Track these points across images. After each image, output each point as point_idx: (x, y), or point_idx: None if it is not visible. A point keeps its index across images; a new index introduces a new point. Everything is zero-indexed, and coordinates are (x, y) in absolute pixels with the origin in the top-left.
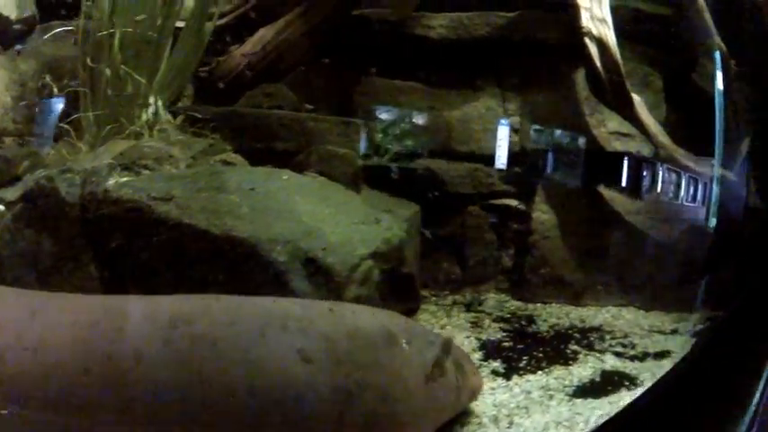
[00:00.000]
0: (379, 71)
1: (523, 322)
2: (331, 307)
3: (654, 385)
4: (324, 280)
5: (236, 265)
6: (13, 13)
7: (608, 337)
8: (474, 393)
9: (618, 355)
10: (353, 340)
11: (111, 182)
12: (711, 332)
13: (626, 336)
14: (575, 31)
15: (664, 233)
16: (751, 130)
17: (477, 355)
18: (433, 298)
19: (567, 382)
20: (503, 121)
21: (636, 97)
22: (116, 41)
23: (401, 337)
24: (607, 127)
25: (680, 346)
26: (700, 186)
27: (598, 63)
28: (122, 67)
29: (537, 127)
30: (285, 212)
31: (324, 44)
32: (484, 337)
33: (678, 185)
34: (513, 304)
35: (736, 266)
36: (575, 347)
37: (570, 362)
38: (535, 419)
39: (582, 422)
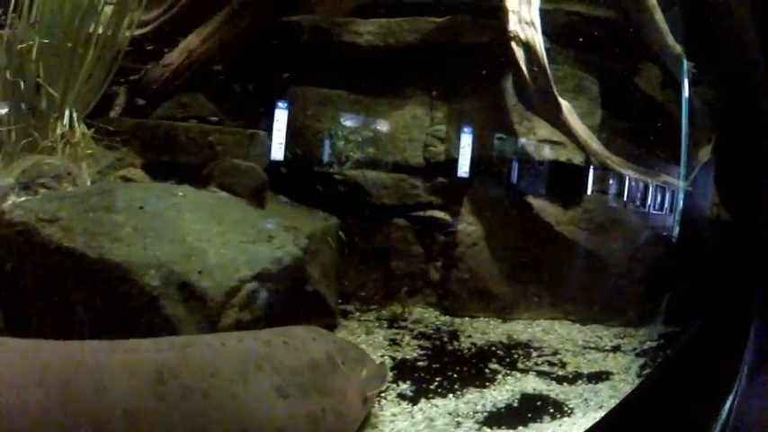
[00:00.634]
0: (308, 79)
1: (445, 338)
2: (285, 339)
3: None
4: (198, 305)
5: (113, 290)
6: None
7: (534, 354)
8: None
9: (543, 375)
10: (312, 370)
11: (8, 202)
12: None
13: (555, 353)
14: (502, 36)
15: (599, 243)
16: (713, 137)
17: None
18: (357, 313)
19: (478, 407)
20: (465, 129)
21: (564, 103)
22: (33, 53)
23: (338, 358)
24: (537, 135)
25: (622, 367)
26: (638, 194)
27: (524, 68)
28: (38, 79)
29: (464, 135)
30: (169, 233)
31: (251, 51)
32: (400, 355)
33: (614, 194)
34: (440, 319)
35: (697, 280)
36: (495, 366)
37: (487, 383)
38: None
39: None
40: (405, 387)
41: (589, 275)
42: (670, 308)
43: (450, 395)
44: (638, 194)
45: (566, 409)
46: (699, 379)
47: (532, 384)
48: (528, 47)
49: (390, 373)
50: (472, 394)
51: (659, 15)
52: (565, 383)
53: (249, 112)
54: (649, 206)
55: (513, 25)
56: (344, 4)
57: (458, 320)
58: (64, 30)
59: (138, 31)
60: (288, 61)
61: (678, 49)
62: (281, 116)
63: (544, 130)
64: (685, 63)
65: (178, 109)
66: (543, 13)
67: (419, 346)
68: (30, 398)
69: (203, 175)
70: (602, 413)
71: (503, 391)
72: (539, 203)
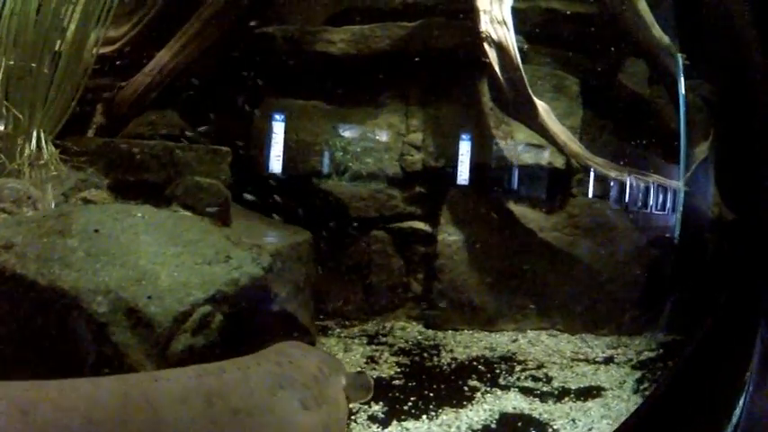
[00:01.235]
0: (282, 90)
1: (425, 354)
2: (290, 360)
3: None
4: (146, 332)
5: (63, 318)
6: None
7: (518, 368)
8: None
9: (526, 391)
10: (318, 383)
11: None
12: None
13: (541, 366)
14: (475, 37)
15: (586, 248)
16: (711, 133)
17: None
18: (338, 329)
19: (452, 430)
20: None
21: (541, 104)
22: None
23: (324, 368)
24: (515, 138)
25: (616, 382)
26: (628, 196)
27: (498, 69)
28: (4, 102)
29: (441, 143)
30: (122, 256)
31: (223, 65)
32: (376, 374)
33: (601, 196)
34: (422, 333)
35: (698, 283)
36: (474, 383)
37: (464, 402)
38: None
39: None
40: (377, 408)
41: (576, 282)
42: (669, 314)
43: (424, 416)
44: (628, 196)
45: (549, 430)
46: (706, 387)
47: (513, 403)
48: (500, 47)
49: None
50: (447, 415)
51: (642, 5)
52: (549, 401)
53: (221, 127)
54: (641, 208)
55: (485, 25)
56: (319, 14)
57: (440, 334)
58: (28, 49)
59: (107, 48)
60: (261, 73)
61: (666, 40)
62: (253, 129)
63: (523, 133)
64: (678, 56)
65: (146, 126)
66: (518, 12)
67: (397, 363)
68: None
69: (166, 194)
70: None
71: (480, 411)
72: (520, 210)
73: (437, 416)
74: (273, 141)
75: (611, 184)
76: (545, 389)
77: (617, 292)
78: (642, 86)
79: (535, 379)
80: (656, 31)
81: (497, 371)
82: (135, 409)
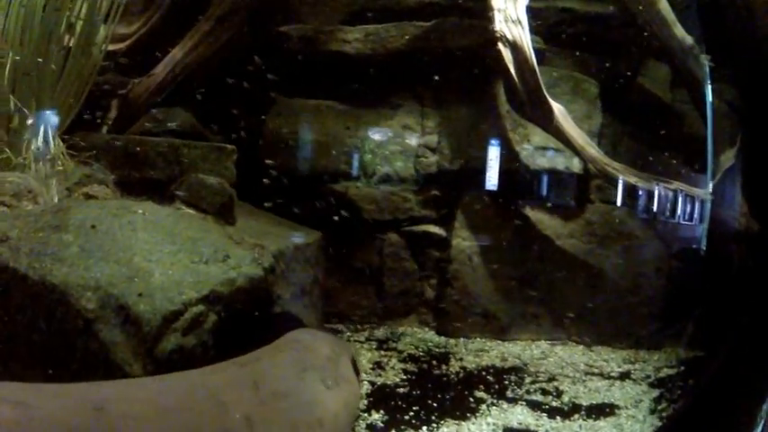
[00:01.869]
0: (296, 90)
1: (434, 362)
2: (303, 345)
3: None
4: (134, 330)
5: (52, 312)
6: None
7: (528, 380)
8: None
9: (533, 406)
10: (332, 364)
11: None
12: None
13: (552, 379)
14: (490, 37)
15: (603, 257)
16: (738, 139)
17: (362, 403)
18: (348, 333)
19: None
20: (479, 139)
21: (557, 106)
22: (6, 69)
23: (335, 349)
24: (531, 142)
25: (631, 399)
26: (649, 203)
27: (512, 70)
28: (11, 97)
29: (456, 145)
30: (117, 253)
31: (237, 63)
32: (381, 380)
33: (618, 203)
34: (433, 340)
35: (723, 300)
36: (481, 394)
37: (468, 414)
38: None
39: None
40: (377, 417)
41: (593, 292)
42: (691, 329)
43: (425, 427)
44: (649, 203)
45: None
46: (724, 415)
47: (519, 417)
48: (515, 47)
49: (365, 401)
50: (449, 427)
51: (663, 4)
52: (558, 417)
53: (234, 125)
54: (662, 216)
55: (499, 24)
56: (335, 13)
57: (452, 342)
58: (35, 44)
59: (119, 45)
60: (275, 72)
61: (689, 40)
62: (266, 128)
63: (539, 136)
64: (703, 58)
65: (153, 123)
66: (535, 12)
67: (404, 371)
68: (167, 422)
69: (170, 192)
70: None
71: (483, 425)
72: (536, 215)
73: (438, 428)
74: (287, 141)
75: (632, 190)
76: (554, 404)
77: (636, 303)
78: (664, 90)
79: (545, 392)
80: (678, 30)
81: (506, 382)
82: (202, 397)
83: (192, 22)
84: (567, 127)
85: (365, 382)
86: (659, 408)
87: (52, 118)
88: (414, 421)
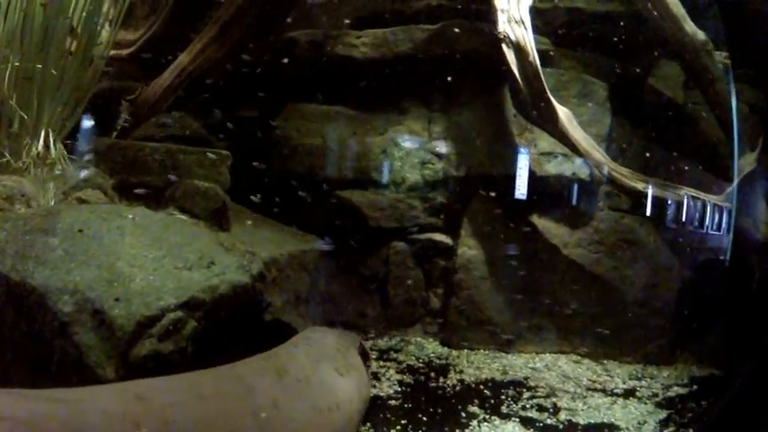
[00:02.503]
0: (303, 95)
1: (433, 373)
2: (314, 341)
3: None
4: (108, 334)
5: (33, 314)
6: None
7: (526, 395)
8: None
9: (527, 422)
10: (341, 354)
11: None
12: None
13: (551, 394)
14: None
15: (612, 267)
16: (759, 142)
17: None
18: None
19: None
20: (522, 149)
21: (563, 110)
22: (6, 74)
23: (342, 342)
24: (538, 147)
25: (633, 420)
26: (656, 211)
27: (516, 72)
28: (10, 102)
29: (462, 151)
30: (100, 257)
31: (244, 68)
32: (374, 392)
33: (627, 210)
34: (436, 351)
35: (742, 315)
36: (474, 409)
37: (457, 430)
38: None
39: None
40: (362, 430)
41: (601, 304)
42: (706, 345)
43: None
44: (660, 211)
45: None
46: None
47: None
48: (518, 48)
49: None
50: None
51: (675, 2)
52: None
53: (238, 132)
54: (674, 224)
55: (503, 25)
56: (343, 18)
57: (454, 353)
58: (35, 48)
59: (124, 51)
60: (283, 76)
61: (701, 36)
62: (273, 134)
63: (546, 141)
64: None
65: (156, 128)
66: (541, 12)
67: (400, 382)
68: (205, 407)
69: (165, 197)
70: None
71: None
72: (543, 223)
73: None
74: (293, 147)
75: (641, 197)
76: (549, 421)
77: (645, 316)
78: (676, 91)
79: (541, 409)
80: (689, 26)
81: (503, 397)
82: (232, 385)
83: (196, 26)
84: (572, 130)
85: None
86: (665, 431)
87: (53, 122)
88: None
